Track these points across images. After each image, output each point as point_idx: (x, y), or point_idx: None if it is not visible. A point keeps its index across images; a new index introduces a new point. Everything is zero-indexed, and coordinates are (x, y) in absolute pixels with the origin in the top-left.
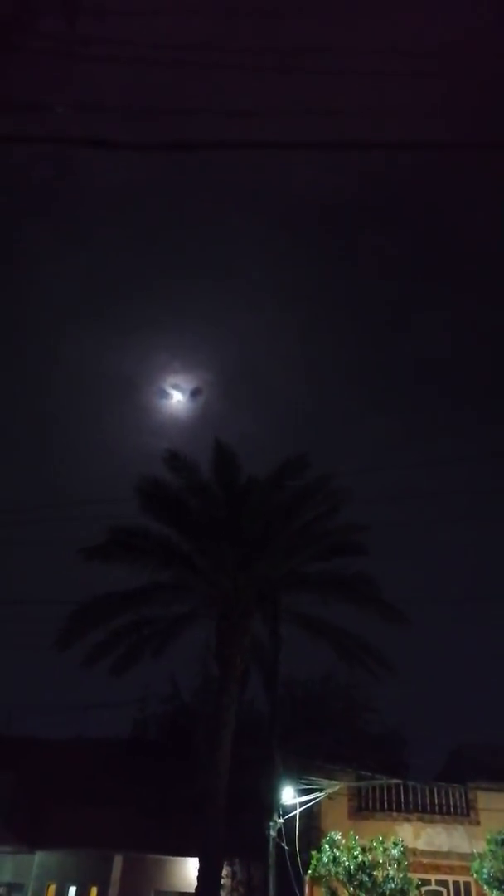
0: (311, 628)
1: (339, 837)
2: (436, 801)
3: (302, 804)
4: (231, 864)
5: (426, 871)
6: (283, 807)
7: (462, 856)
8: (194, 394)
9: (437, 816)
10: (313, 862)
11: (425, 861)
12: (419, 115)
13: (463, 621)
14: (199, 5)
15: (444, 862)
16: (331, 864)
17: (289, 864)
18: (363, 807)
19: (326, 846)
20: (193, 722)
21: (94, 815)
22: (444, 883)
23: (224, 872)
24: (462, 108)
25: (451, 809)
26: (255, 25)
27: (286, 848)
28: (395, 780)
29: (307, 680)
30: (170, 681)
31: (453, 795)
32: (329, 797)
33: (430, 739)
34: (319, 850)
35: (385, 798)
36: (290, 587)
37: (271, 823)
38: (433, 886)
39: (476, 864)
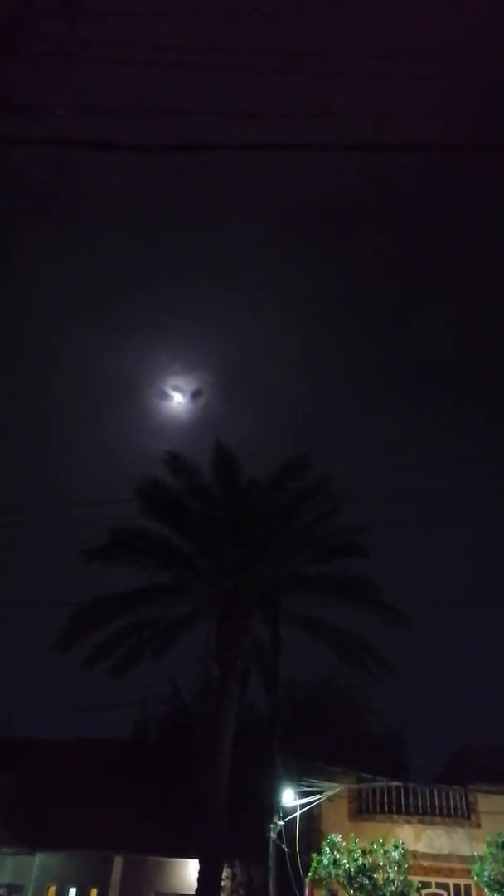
0: (311, 629)
1: (340, 840)
2: (436, 804)
3: (302, 806)
4: (231, 866)
5: (427, 874)
6: (284, 808)
7: (462, 858)
8: (195, 395)
9: (438, 819)
10: (313, 864)
11: (426, 864)
12: (419, 116)
13: (463, 622)
14: (199, 6)
15: (445, 864)
16: (331, 867)
17: (289, 866)
18: (363, 809)
19: (327, 848)
20: (194, 723)
21: (94, 816)
22: (444, 885)
23: (224, 874)
24: (462, 108)
25: (452, 812)
26: (255, 26)
27: (286, 850)
28: (395, 783)
29: (307, 681)
30: (170, 682)
31: (454, 798)
32: (329, 799)
33: (431, 741)
34: (320, 853)
35: (385, 800)
36: (291, 588)
37: (271, 825)
38: (433, 889)
39: (476, 867)
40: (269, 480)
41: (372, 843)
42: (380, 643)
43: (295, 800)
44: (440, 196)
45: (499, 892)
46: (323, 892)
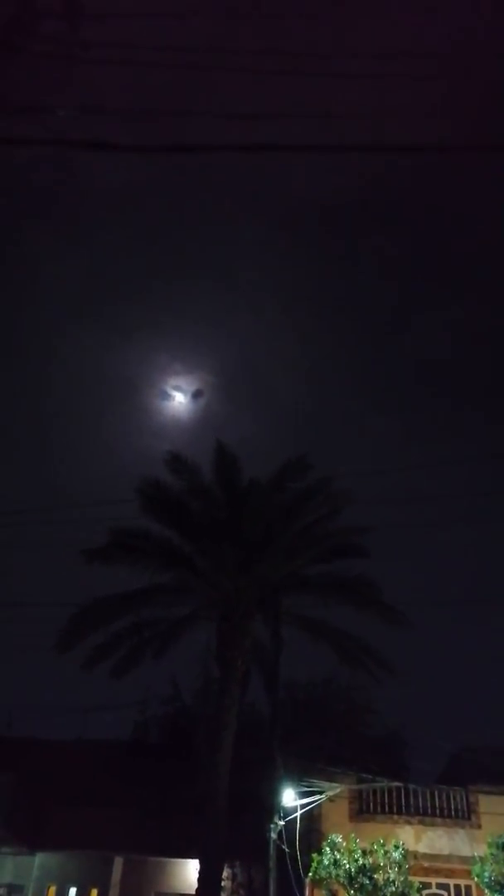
0: (312, 630)
1: (340, 840)
2: (437, 804)
3: (303, 806)
4: (231, 867)
5: (427, 875)
6: (284, 809)
7: (463, 859)
8: (195, 395)
9: (439, 819)
10: (314, 864)
11: (426, 864)
12: (419, 117)
13: (464, 623)
14: (199, 8)
15: (445, 865)
16: (331, 867)
17: (289, 866)
18: (364, 809)
19: (327, 849)
20: (194, 724)
21: (94, 816)
22: (444, 886)
23: (224, 874)
24: (462, 108)
25: (453, 812)
26: (256, 28)
27: (287, 850)
28: (396, 783)
29: (308, 682)
30: (171, 682)
31: (454, 798)
32: (330, 800)
33: (431, 742)
34: (320, 853)
35: (386, 801)
36: (291, 589)
37: (272, 826)
38: (434, 890)
39: (477, 868)
40: (270, 481)
41: (372, 844)
42: (380, 644)
43: (295, 800)
44: (440, 197)
45: (499, 893)
46: (323, 892)
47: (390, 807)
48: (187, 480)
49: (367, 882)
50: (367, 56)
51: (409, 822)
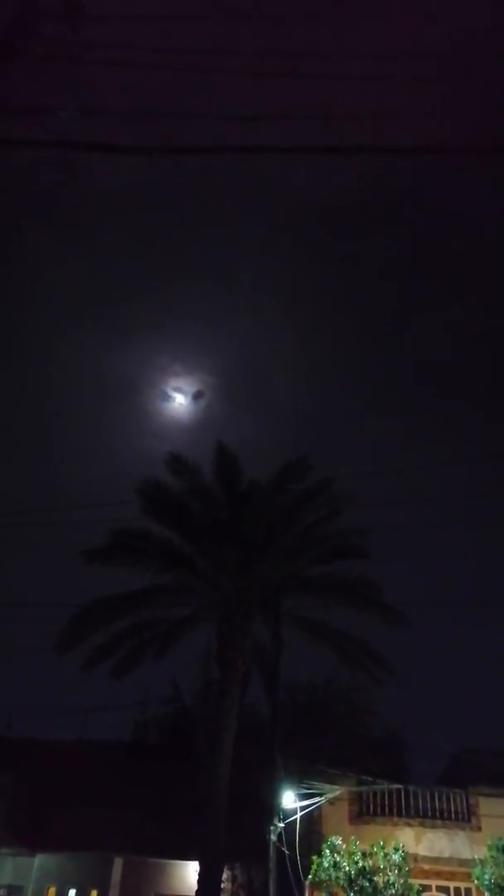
0: (312, 631)
1: (340, 842)
2: (437, 807)
3: (303, 808)
4: (231, 868)
5: (427, 877)
6: (284, 811)
7: (463, 861)
8: (196, 396)
9: (439, 822)
10: (314, 867)
11: (426, 867)
12: (419, 118)
13: (464, 624)
14: (200, 10)
15: (445, 868)
16: (331, 869)
17: (289, 868)
18: (364, 811)
19: (327, 851)
20: (194, 725)
21: (94, 817)
22: (445, 889)
23: (224, 876)
24: (463, 109)
25: (453, 815)
26: (256, 29)
27: (287, 852)
28: (396, 785)
29: (308, 683)
30: (171, 683)
31: (454, 800)
32: (330, 802)
33: (432, 743)
34: (320, 855)
35: (386, 803)
36: (292, 590)
37: (272, 827)
38: (434, 892)
39: (477, 870)
40: (271, 482)
41: (372, 846)
42: (381, 645)
43: (295, 802)
44: (440, 198)
45: None
46: (323, 894)
47: (390, 809)
48: (188, 481)
49: (367, 884)
50: (367, 57)
51: (410, 825)
